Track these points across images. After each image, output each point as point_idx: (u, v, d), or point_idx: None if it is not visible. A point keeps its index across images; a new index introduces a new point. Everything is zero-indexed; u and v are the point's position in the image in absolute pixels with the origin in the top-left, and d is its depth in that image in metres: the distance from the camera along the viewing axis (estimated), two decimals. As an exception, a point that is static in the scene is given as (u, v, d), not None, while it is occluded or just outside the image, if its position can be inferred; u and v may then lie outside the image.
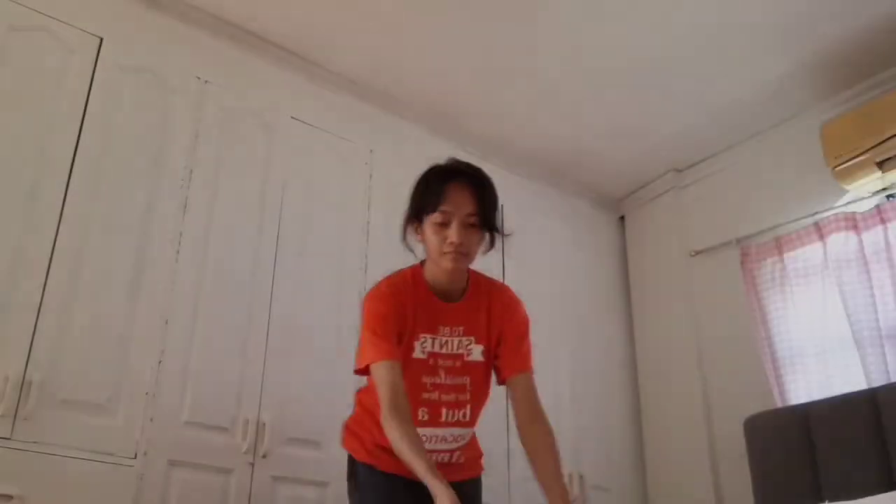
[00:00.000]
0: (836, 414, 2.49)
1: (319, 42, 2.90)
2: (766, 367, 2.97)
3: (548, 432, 1.70)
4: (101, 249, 2.27)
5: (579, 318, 3.54)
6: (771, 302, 3.05)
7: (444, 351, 1.65)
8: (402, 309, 1.61)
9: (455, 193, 1.59)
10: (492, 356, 1.69)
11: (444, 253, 1.58)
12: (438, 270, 1.63)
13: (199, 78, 2.67)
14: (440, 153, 3.32)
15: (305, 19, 2.79)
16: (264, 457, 2.37)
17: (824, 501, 2.20)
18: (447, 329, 1.65)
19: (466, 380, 1.67)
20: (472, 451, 1.81)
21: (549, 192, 3.71)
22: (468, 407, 1.68)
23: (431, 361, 1.64)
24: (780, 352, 2.97)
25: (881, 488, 2.20)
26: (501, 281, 1.83)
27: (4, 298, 2.07)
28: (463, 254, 1.58)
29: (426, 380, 1.64)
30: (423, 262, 1.68)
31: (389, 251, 2.91)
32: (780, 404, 2.88)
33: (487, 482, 2.87)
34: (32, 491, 1.95)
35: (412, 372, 1.61)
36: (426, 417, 1.63)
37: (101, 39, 2.47)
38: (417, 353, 1.62)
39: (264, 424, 2.40)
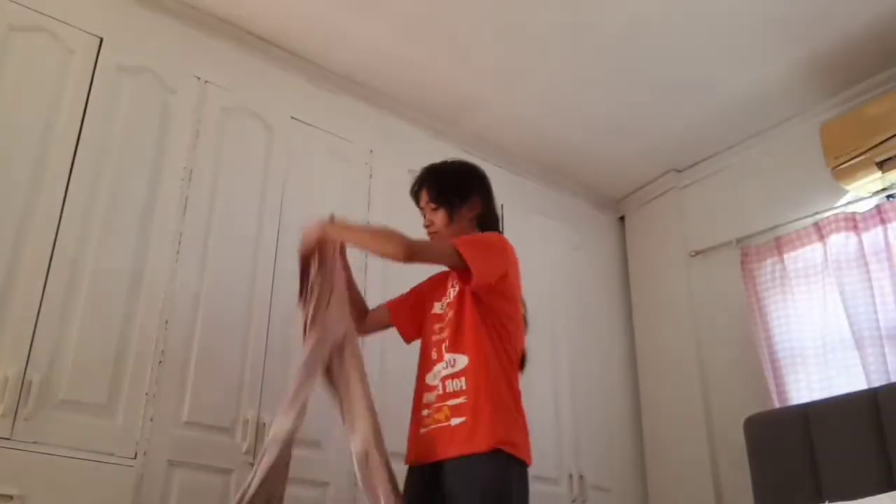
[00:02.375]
0: (836, 414, 2.49)
1: (319, 42, 2.90)
2: (766, 367, 2.97)
3: None
4: (101, 249, 2.27)
5: (579, 318, 3.54)
6: (771, 302, 3.05)
7: (445, 301, 1.98)
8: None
9: (421, 197, 2.09)
10: (466, 291, 1.89)
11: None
12: None
13: (199, 78, 2.67)
14: (440, 153, 3.35)
15: (305, 19, 2.79)
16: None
17: (824, 501, 2.20)
18: (450, 285, 1.99)
19: (451, 313, 1.93)
20: (469, 411, 1.78)
21: (549, 192, 3.71)
22: (447, 330, 1.92)
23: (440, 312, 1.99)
24: (780, 352, 2.97)
25: (881, 488, 2.20)
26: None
27: (4, 298, 2.07)
28: (433, 232, 2.04)
29: (435, 325, 1.98)
30: None
31: (389, 251, 2.93)
32: (778, 404, 2.88)
33: (487, 482, 2.89)
34: (32, 491, 1.95)
35: (428, 325, 2.01)
36: (435, 356, 1.93)
37: (101, 39, 2.47)
38: (436, 310, 2.00)
39: (264, 424, 2.39)
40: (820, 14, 2.71)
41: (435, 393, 1.87)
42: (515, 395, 1.85)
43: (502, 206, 3.44)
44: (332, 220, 1.98)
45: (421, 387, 1.94)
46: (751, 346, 3.07)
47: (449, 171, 2.11)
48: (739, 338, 3.18)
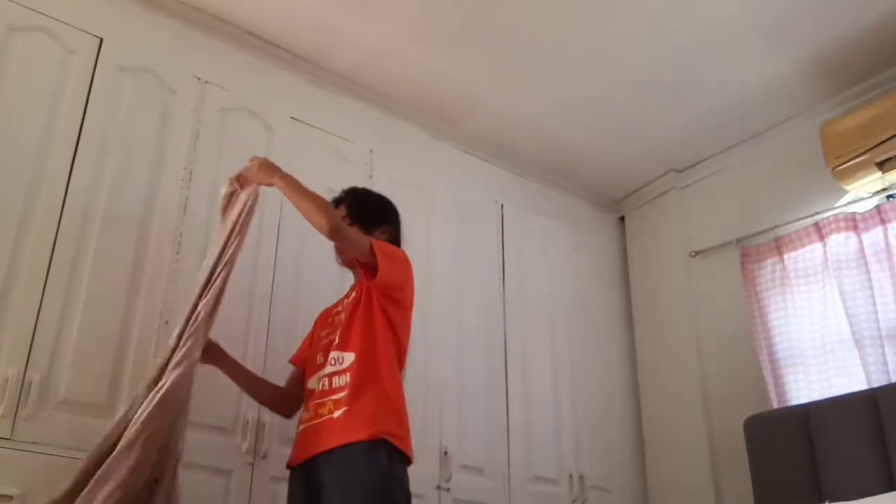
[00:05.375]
0: (836, 414, 2.50)
1: (319, 42, 2.90)
2: (766, 367, 2.97)
3: None
4: (100, 249, 2.27)
5: (579, 318, 3.54)
6: (771, 302, 3.05)
7: (337, 310, 2.11)
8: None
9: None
10: (363, 294, 2.00)
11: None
12: None
13: (199, 78, 2.67)
14: (440, 153, 3.37)
15: (305, 19, 2.79)
16: (264, 457, 2.37)
17: (824, 502, 2.20)
18: (346, 299, 2.12)
19: (343, 315, 2.03)
20: (351, 402, 1.86)
21: (549, 193, 3.71)
22: (338, 330, 2.00)
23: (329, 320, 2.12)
24: (780, 352, 2.97)
25: (881, 488, 2.21)
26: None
27: (4, 299, 2.07)
28: (337, 250, 2.15)
29: (323, 332, 2.10)
30: None
31: (389, 251, 2.93)
32: (778, 405, 2.88)
33: (486, 482, 2.90)
34: (32, 491, 1.94)
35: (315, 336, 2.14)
36: (321, 360, 2.00)
37: (101, 39, 2.47)
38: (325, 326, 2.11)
39: (264, 424, 2.40)
40: (820, 14, 2.71)
41: (319, 390, 1.95)
42: (399, 391, 1.94)
43: (502, 206, 3.46)
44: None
45: (307, 394, 2.02)
46: (751, 346, 3.07)
47: (371, 197, 2.28)
48: (739, 338, 3.18)
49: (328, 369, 1.95)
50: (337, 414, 1.86)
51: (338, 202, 2.21)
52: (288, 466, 2.00)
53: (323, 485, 1.81)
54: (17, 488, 1.92)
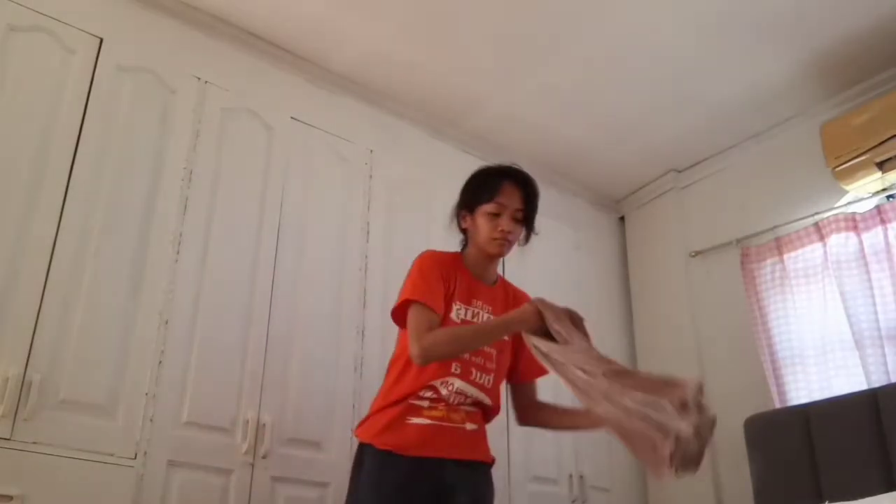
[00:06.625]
0: (836, 414, 2.49)
1: (319, 42, 2.90)
2: (766, 367, 2.97)
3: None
4: (101, 249, 2.27)
5: (579, 318, 3.53)
6: (771, 302, 3.05)
7: (475, 321, 1.82)
8: (446, 271, 1.81)
9: (509, 190, 1.86)
10: (508, 345, 1.86)
11: (494, 238, 1.82)
12: (479, 256, 1.88)
13: (199, 78, 2.67)
14: (440, 153, 3.37)
15: (306, 19, 2.79)
16: (264, 457, 2.37)
17: (824, 501, 2.20)
18: (479, 303, 1.85)
19: (493, 351, 1.83)
20: (484, 434, 1.87)
21: (549, 192, 3.67)
22: (492, 375, 1.83)
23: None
24: (781, 352, 2.97)
25: (881, 488, 2.20)
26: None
27: (4, 299, 2.07)
28: (509, 241, 1.84)
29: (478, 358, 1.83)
30: (462, 251, 1.92)
31: (389, 251, 2.93)
32: (778, 405, 2.88)
33: (487, 482, 2.90)
34: (32, 491, 1.95)
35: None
36: (458, 371, 1.77)
37: (101, 39, 2.47)
38: (454, 317, 1.79)
39: (264, 424, 2.40)
40: (820, 14, 2.71)
41: (464, 406, 1.82)
42: None
43: (502, 206, 3.46)
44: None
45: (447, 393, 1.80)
46: (751, 346, 3.07)
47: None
48: (739, 338, 3.18)
49: (471, 406, 1.83)
50: (472, 427, 1.81)
51: (533, 192, 1.92)
52: (406, 454, 1.71)
53: (485, 496, 1.81)
54: (17, 488, 1.93)
